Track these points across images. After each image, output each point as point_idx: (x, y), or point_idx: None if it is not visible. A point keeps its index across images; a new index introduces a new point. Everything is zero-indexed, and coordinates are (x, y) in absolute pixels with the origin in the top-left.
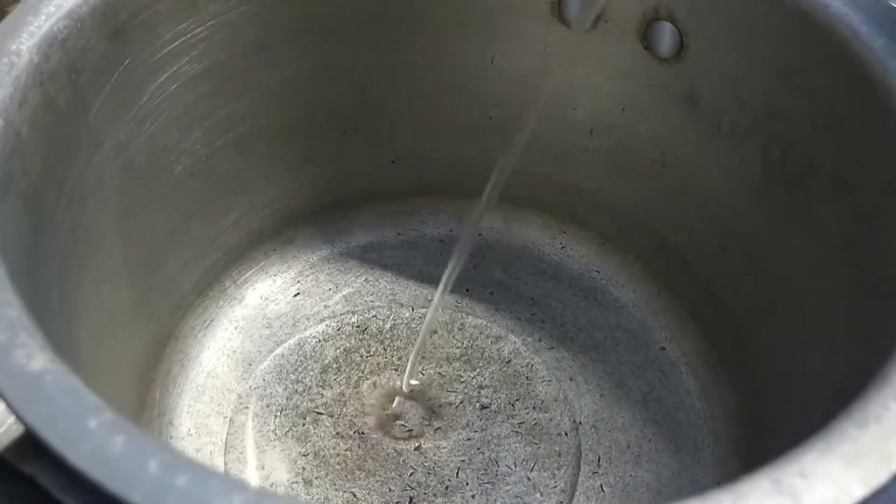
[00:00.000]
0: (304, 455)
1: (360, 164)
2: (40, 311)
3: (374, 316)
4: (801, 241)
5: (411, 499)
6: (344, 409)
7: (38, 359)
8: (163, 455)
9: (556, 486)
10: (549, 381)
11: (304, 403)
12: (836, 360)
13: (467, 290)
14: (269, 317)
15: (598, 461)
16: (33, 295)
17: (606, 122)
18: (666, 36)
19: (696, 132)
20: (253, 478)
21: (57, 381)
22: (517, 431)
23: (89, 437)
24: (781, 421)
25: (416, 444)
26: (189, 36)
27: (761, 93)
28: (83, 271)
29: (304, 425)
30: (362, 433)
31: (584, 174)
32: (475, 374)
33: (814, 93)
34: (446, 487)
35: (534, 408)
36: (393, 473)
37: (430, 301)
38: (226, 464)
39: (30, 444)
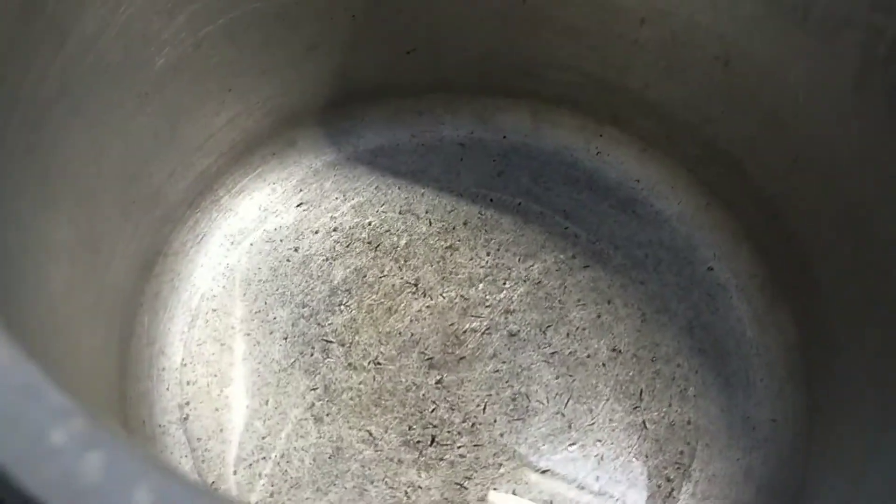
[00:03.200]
0: (314, 389)
1: (371, 55)
2: None
3: (388, 230)
4: (894, 157)
5: (433, 437)
6: (356, 337)
7: None
8: (153, 480)
9: (593, 424)
10: (583, 304)
11: (312, 330)
12: None
13: (491, 201)
14: (268, 230)
15: (640, 395)
16: None
17: (661, 8)
18: None
19: (773, 24)
20: (257, 415)
21: (6, 375)
22: (549, 362)
23: (53, 456)
24: (846, 358)
25: (438, 377)
26: None
27: None
28: (51, 196)
29: (312, 355)
30: (378, 364)
31: (629, 70)
32: (502, 296)
33: None
34: (472, 425)
35: (567, 335)
36: (412, 409)
37: (449, 213)
38: (226, 398)
39: None
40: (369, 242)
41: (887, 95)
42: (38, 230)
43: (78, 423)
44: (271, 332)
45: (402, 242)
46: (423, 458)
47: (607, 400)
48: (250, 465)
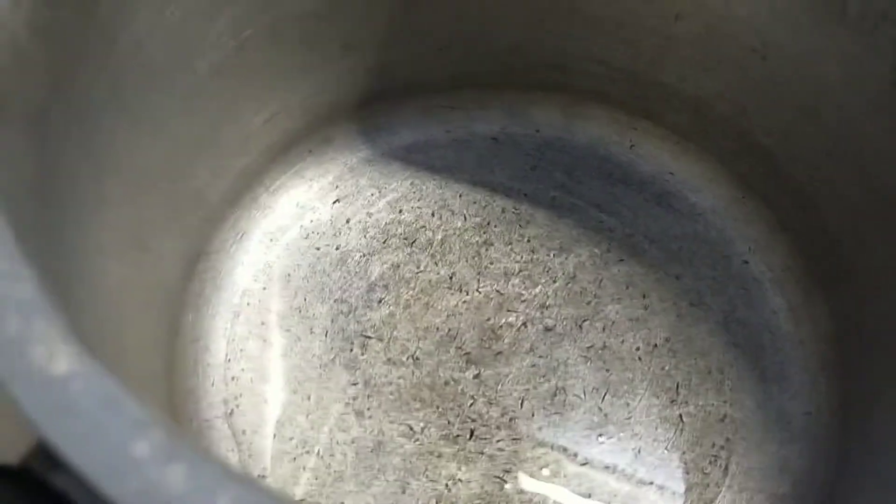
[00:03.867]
0: (354, 384)
1: (404, 53)
2: (54, 259)
3: (423, 226)
4: None
5: (472, 431)
6: (395, 333)
7: (61, 358)
8: (234, 491)
9: (630, 417)
10: (619, 298)
11: (351, 325)
12: None
13: (525, 196)
14: (306, 227)
15: (677, 388)
16: (44, 241)
17: (697, 2)
18: None
19: (810, 17)
20: (299, 410)
21: (89, 388)
22: (586, 356)
23: (137, 467)
24: (880, 350)
25: (476, 372)
26: None
27: None
28: (102, 197)
29: (351, 350)
30: (416, 359)
31: (662, 63)
32: (537, 291)
33: None
34: (510, 419)
35: (603, 329)
36: (451, 404)
37: (483, 207)
38: (269, 393)
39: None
40: (405, 238)
41: None
42: (93, 230)
43: (158, 435)
44: (311, 328)
45: (438, 238)
46: (462, 452)
47: (644, 394)
48: (294, 458)
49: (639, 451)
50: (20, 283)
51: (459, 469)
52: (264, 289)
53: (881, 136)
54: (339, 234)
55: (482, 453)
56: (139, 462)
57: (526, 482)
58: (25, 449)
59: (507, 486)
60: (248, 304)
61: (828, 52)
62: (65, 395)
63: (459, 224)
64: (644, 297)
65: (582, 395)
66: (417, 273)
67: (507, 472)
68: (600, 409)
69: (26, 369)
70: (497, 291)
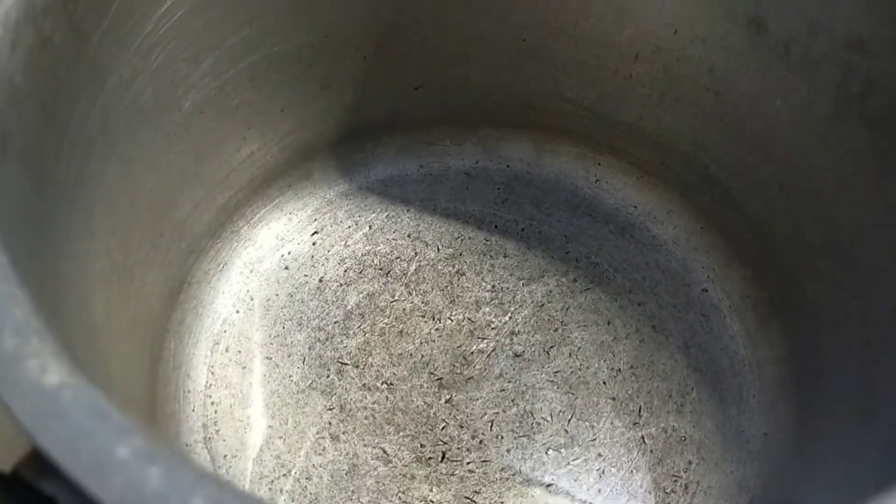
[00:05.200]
0: (330, 409)
1: (381, 92)
2: (48, 285)
3: (398, 257)
4: (873, 183)
5: (444, 454)
6: (370, 359)
7: (53, 370)
8: (208, 490)
9: (594, 439)
10: (585, 325)
11: (328, 352)
12: None
13: (496, 228)
14: (285, 258)
15: (639, 411)
16: (40, 269)
17: (654, 44)
18: None
19: (759, 59)
20: (277, 434)
21: (77, 397)
22: (552, 381)
23: (119, 468)
24: (835, 372)
25: (447, 396)
26: None
27: (841, 18)
28: (91, 228)
29: (328, 376)
30: (390, 384)
31: (624, 102)
32: (507, 319)
33: None
34: (480, 441)
35: (570, 355)
36: (424, 427)
37: (456, 239)
38: (248, 418)
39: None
40: (381, 268)
41: (864, 127)
42: (82, 259)
43: (139, 441)
44: (289, 355)
45: (412, 268)
46: (434, 474)
47: (608, 416)
48: (272, 481)
49: (603, 472)
50: (16, 303)
51: (431, 490)
52: (244, 317)
53: (827, 171)
54: (317, 264)
55: (453, 475)
56: (122, 463)
57: (495, 502)
58: (16, 457)
59: None
60: (228, 332)
61: (775, 90)
62: (55, 404)
63: (433, 255)
64: (609, 323)
65: (549, 418)
66: (392, 302)
67: (477, 492)
68: (566, 431)
69: (21, 381)
70: (468, 319)
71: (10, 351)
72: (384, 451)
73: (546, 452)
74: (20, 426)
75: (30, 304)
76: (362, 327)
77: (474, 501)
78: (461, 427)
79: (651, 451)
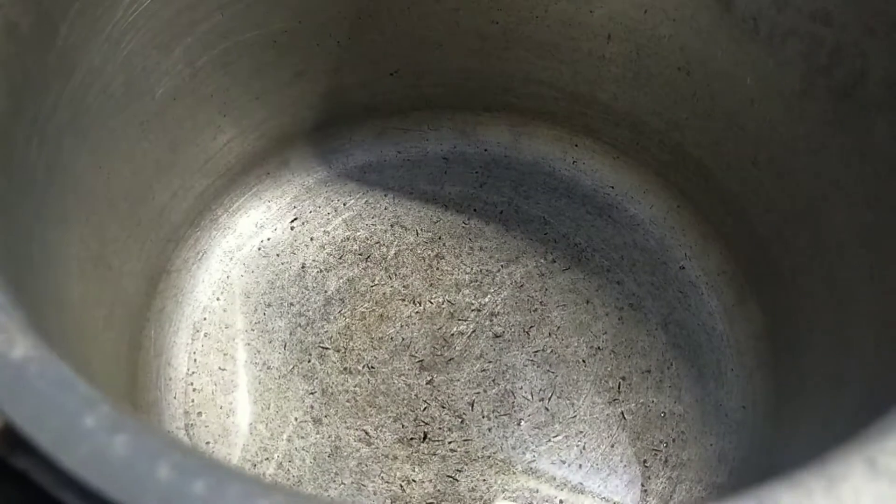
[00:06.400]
0: (312, 393)
1: (356, 78)
2: (19, 271)
3: (378, 242)
4: (844, 153)
5: (425, 434)
6: (351, 343)
7: (19, 344)
8: (173, 456)
9: (574, 416)
10: (564, 305)
11: (309, 338)
12: (873, 285)
13: (474, 211)
14: (265, 246)
15: (619, 388)
16: (10, 255)
17: (626, 24)
18: None
19: (727, 36)
20: (259, 419)
21: (43, 370)
22: (533, 360)
23: (85, 436)
24: (809, 344)
25: (428, 378)
26: None
27: None
28: (64, 217)
29: (309, 361)
30: (371, 367)
31: (598, 83)
32: (486, 300)
33: None
34: (461, 421)
35: (549, 334)
36: (405, 409)
37: (435, 223)
38: (230, 404)
39: (19, 434)
40: (360, 254)
41: (831, 100)
42: (56, 246)
43: (105, 410)
44: (271, 341)
45: (392, 253)
46: (416, 454)
47: (588, 394)
48: (255, 465)
49: (583, 448)
50: None
51: (413, 470)
52: (224, 305)
53: (797, 142)
54: (297, 251)
55: (435, 454)
56: (88, 433)
57: (477, 481)
58: None
59: (458, 484)
60: (208, 319)
61: (744, 66)
62: (22, 377)
63: (412, 239)
64: (587, 302)
65: (529, 397)
66: (372, 286)
67: (459, 471)
68: (547, 409)
69: None
70: (448, 302)
71: None
72: (366, 433)
73: (527, 430)
74: None
75: None
76: (343, 312)
77: (456, 480)
78: (442, 408)
79: (631, 427)
